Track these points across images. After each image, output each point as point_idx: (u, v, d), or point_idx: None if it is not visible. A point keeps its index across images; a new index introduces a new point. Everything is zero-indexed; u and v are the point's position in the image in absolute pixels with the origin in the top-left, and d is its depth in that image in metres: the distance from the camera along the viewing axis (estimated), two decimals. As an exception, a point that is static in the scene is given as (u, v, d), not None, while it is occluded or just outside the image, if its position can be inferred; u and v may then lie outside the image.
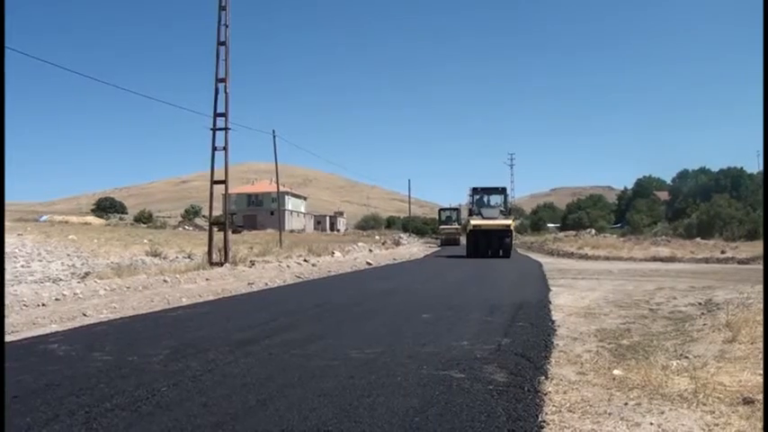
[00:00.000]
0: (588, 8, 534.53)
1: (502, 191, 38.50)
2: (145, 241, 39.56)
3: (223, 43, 22.03)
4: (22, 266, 23.42)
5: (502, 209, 37.10)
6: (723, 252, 30.67)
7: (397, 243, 60.04)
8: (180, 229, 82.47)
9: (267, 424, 4.39)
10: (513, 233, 37.98)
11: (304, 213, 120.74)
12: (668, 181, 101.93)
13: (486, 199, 37.91)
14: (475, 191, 37.81)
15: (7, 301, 11.20)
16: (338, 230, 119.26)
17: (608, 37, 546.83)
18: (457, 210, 67.89)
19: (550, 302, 11.95)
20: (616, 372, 5.83)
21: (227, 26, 22.14)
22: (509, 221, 35.50)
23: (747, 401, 4.71)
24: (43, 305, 11.46)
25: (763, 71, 5.04)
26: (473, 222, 35.37)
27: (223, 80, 21.99)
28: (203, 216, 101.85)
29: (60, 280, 16.86)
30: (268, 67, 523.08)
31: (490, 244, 34.91)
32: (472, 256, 34.49)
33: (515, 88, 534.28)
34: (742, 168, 79.56)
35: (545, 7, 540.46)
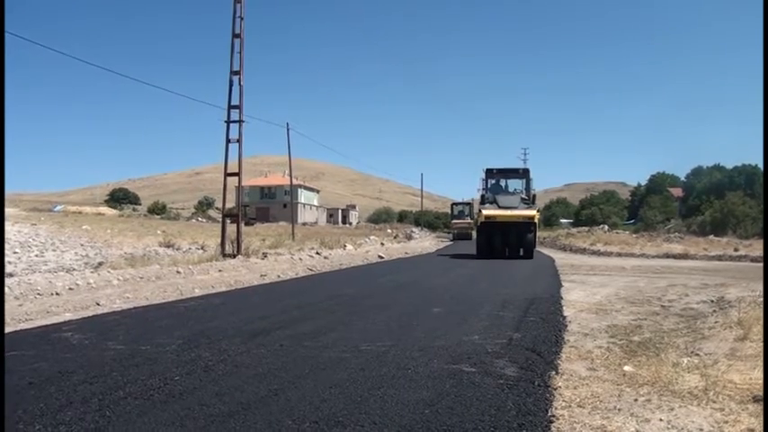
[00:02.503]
0: (603, 2, 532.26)
1: (524, 173, 31.56)
2: (158, 232, 39.80)
3: (238, 35, 22.08)
4: (36, 256, 23.62)
5: (523, 196, 29.93)
6: (736, 250, 30.49)
7: (409, 237, 60.09)
8: (193, 220, 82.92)
9: (279, 414, 4.42)
10: (537, 227, 29.92)
11: (316, 206, 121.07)
12: (682, 177, 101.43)
13: (503, 183, 31.27)
14: (490, 173, 30.81)
15: (21, 290, 11.29)
16: (350, 224, 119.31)
17: (624, 32, 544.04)
18: (469, 204, 67.51)
19: (562, 298, 11.93)
20: (626, 368, 5.83)
21: (241, 18, 22.20)
22: (532, 212, 27.83)
23: (758, 399, 4.71)
24: (57, 294, 11.54)
25: (764, 72, 5.03)
26: (485, 212, 27.73)
27: (237, 73, 22.04)
28: (216, 208, 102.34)
29: (74, 269, 16.98)
30: (281, 59, 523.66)
31: (507, 240, 27.70)
32: (484, 255, 27.52)
33: (529, 83, 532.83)
34: (756, 166, 79.06)
35: (559, 1, 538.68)
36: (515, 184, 31.42)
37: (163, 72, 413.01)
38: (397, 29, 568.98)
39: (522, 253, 27.88)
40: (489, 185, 30.72)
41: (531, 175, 31.29)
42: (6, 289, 10.99)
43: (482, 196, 30.16)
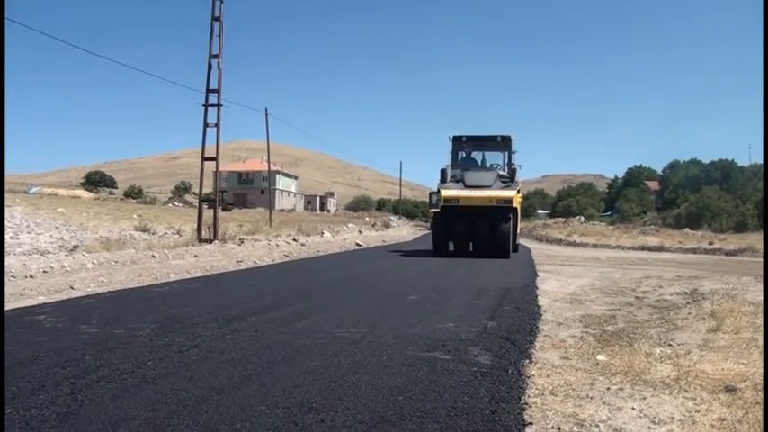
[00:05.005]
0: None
1: (503, 143, 23.63)
2: (134, 216, 39.50)
3: (217, 19, 21.91)
4: (11, 238, 23.36)
5: (503, 172, 22.87)
6: (711, 243, 30.84)
7: (387, 225, 60.16)
8: (170, 205, 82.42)
9: (252, 399, 4.40)
10: (519, 214, 22.93)
11: (294, 193, 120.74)
12: (659, 171, 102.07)
13: (478, 157, 24.53)
14: (458, 143, 23.77)
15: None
16: (328, 211, 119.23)
17: (606, 26, 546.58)
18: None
19: (537, 288, 11.98)
20: (600, 357, 5.87)
21: (221, 1, 22.03)
22: (511, 193, 20.72)
23: (729, 389, 4.76)
24: (31, 277, 11.44)
25: (763, 69, 5.03)
26: (444, 193, 21.03)
27: (216, 56, 21.90)
28: (193, 193, 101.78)
29: (48, 252, 16.82)
30: (261, 44, 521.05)
31: (474, 232, 20.89)
32: (442, 252, 21.54)
33: (509, 74, 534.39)
34: (733, 161, 79.76)
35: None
36: (495, 158, 24.45)
37: (141, 54, 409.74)
38: (380, 17, 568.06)
39: (494, 249, 20.53)
40: (459, 159, 23.93)
41: (515, 146, 23.74)
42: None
43: (442, 171, 22.82)
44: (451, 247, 21.97)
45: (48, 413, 4.07)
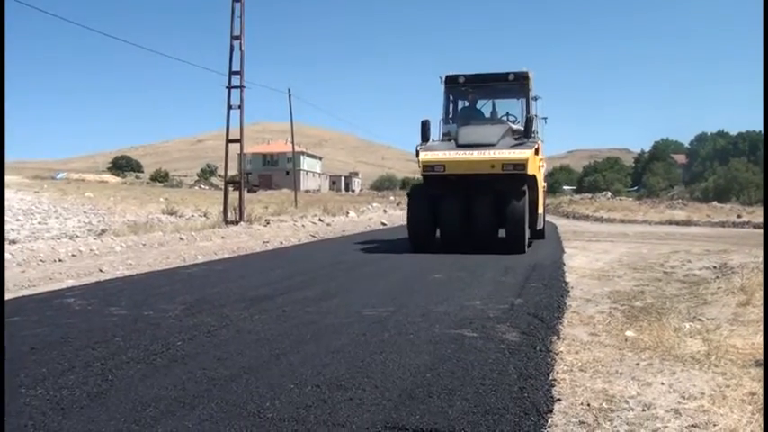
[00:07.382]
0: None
1: (517, 82, 15.75)
2: (161, 200, 39.85)
3: (238, 0, 21.87)
4: (39, 223, 23.66)
5: (515, 126, 15.46)
6: (739, 216, 30.45)
7: (412, 204, 59.95)
8: (196, 188, 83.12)
9: (280, 378, 4.42)
10: (540, 185, 15.50)
11: (319, 173, 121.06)
12: (686, 144, 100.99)
13: (485, 105, 16.86)
14: (453, 84, 16.08)
15: (24, 257, 11.31)
16: (353, 191, 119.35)
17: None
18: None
19: (564, 264, 11.87)
20: (628, 333, 5.82)
21: (242, -17, 21.96)
22: (524, 153, 13.68)
23: (760, 364, 4.70)
24: (60, 261, 11.55)
25: (764, 70, 4.94)
26: (424, 157, 14.23)
27: (238, 37, 21.87)
28: (219, 175, 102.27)
29: (77, 236, 16.98)
30: (283, 25, 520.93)
31: (472, 214, 13.94)
32: (423, 245, 14.28)
33: (534, 48, 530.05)
34: (761, 132, 78.67)
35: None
36: (509, 108, 16.70)
37: (165, 38, 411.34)
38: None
39: (503, 240, 14.17)
40: (458, 110, 16.73)
41: (535, 90, 15.95)
42: (9, 256, 11.03)
43: (423, 124, 15.33)
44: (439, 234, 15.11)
45: (78, 393, 4.12)
